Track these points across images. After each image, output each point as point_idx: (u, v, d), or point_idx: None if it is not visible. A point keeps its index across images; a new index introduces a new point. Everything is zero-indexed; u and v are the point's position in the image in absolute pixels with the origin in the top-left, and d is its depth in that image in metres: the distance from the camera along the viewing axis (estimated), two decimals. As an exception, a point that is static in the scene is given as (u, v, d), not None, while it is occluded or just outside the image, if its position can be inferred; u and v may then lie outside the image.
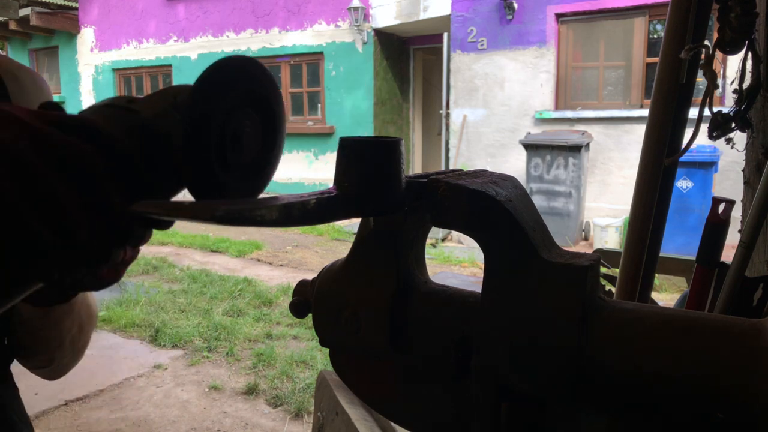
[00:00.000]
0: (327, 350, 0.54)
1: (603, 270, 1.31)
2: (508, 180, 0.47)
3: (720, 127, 0.99)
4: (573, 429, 0.43)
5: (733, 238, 0.96)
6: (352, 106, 9.49)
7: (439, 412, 0.49)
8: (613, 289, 1.19)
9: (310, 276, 0.56)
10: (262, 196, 0.42)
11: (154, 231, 0.48)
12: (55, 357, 0.81)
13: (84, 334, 0.80)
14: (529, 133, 7.25)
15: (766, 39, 1.12)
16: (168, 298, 5.03)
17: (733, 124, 1.01)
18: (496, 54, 7.88)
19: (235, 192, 0.42)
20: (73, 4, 12.19)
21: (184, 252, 7.07)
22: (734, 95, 1.03)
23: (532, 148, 6.84)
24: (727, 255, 1.00)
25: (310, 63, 9.94)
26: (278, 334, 4.32)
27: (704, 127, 0.99)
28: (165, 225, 0.43)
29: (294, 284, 0.57)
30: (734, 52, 0.96)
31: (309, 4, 9.67)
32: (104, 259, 0.38)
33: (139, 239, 0.44)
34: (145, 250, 6.95)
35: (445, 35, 8.26)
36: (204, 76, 0.39)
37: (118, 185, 0.37)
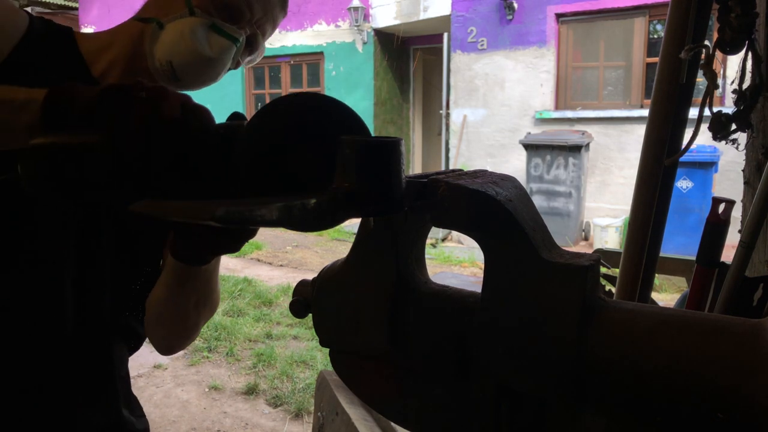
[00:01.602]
0: (327, 350, 0.54)
1: (603, 270, 1.31)
2: (508, 180, 0.47)
3: (724, 128, 0.99)
4: (573, 429, 0.43)
5: (733, 238, 0.96)
6: (352, 106, 9.45)
7: (439, 413, 0.49)
8: (613, 289, 1.19)
9: (310, 276, 0.56)
10: None
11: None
12: (174, 328, 0.92)
13: (197, 314, 0.89)
14: (529, 133, 7.25)
15: (766, 39, 1.12)
16: (168, 298, 5.03)
17: (734, 126, 1.01)
18: (496, 54, 7.88)
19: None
20: (74, 4, 12.18)
21: (184, 252, 7.05)
22: (734, 95, 1.03)
23: (532, 148, 6.83)
24: (727, 255, 1.00)
25: (310, 63, 9.93)
26: (278, 334, 4.32)
27: (705, 127, 0.99)
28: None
29: (294, 284, 0.58)
30: (734, 52, 0.96)
31: (309, 4, 9.66)
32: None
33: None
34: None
35: (445, 35, 8.25)
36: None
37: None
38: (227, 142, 0.52)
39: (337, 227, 7.89)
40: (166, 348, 0.96)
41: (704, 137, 1.05)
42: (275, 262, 6.52)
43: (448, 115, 8.47)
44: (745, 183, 1.31)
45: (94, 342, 0.91)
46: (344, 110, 0.51)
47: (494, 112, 7.96)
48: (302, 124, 0.49)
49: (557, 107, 7.58)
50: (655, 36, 7.07)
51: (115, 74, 0.89)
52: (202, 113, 0.54)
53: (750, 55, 0.99)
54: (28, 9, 10.88)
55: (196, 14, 0.86)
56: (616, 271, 1.19)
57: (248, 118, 0.53)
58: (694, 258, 1.09)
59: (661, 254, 1.16)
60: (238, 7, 0.88)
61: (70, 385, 0.89)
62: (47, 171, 0.50)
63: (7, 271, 0.82)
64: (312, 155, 0.48)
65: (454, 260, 6.53)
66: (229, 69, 0.94)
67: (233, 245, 0.64)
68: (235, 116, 0.52)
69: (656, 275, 1.18)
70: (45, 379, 0.87)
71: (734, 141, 1.05)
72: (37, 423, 0.86)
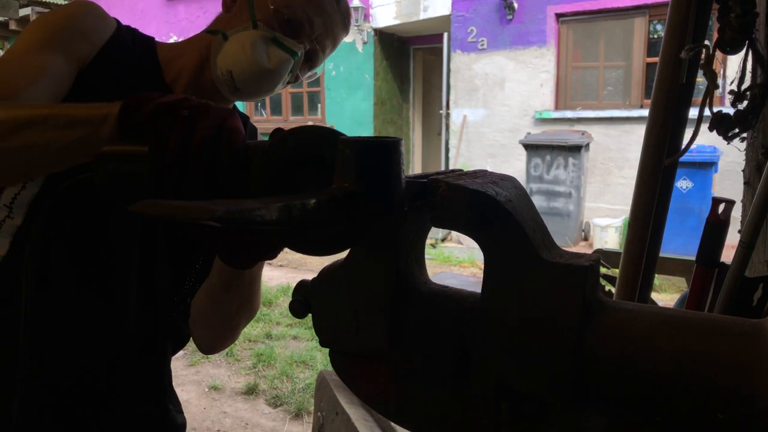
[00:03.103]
0: (327, 350, 0.54)
1: (603, 270, 1.31)
2: (508, 180, 0.47)
3: (730, 127, 0.99)
4: (573, 429, 0.43)
5: (733, 238, 0.96)
6: (352, 106, 9.48)
7: (439, 413, 0.49)
8: (613, 289, 1.19)
9: (310, 276, 0.56)
10: None
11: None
12: (216, 329, 0.96)
13: (239, 316, 0.92)
14: (529, 133, 7.25)
15: (766, 39, 1.12)
16: (168, 298, 5.02)
17: (737, 129, 1.01)
18: (496, 54, 7.88)
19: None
20: (73, 4, 12.18)
21: (184, 252, 7.05)
22: (731, 96, 1.03)
23: (532, 148, 6.83)
24: (727, 255, 1.00)
25: (310, 63, 9.93)
26: (278, 334, 4.32)
27: (705, 127, 0.99)
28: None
29: (294, 284, 0.57)
30: (734, 52, 0.96)
31: (309, 4, 9.65)
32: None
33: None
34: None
35: (445, 35, 8.25)
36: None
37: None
38: (247, 161, 0.57)
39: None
40: (207, 347, 1.00)
41: (704, 137, 1.05)
42: (275, 262, 6.51)
43: (448, 115, 8.46)
44: (745, 183, 1.31)
45: (151, 335, 0.97)
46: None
47: (494, 112, 7.95)
48: (306, 155, 0.53)
49: (557, 107, 7.57)
50: (655, 36, 7.07)
51: (183, 81, 0.96)
52: (234, 132, 0.58)
53: (750, 55, 0.99)
54: (28, 9, 10.90)
55: (258, 27, 0.91)
56: (616, 271, 1.19)
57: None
58: (694, 258, 1.09)
59: (661, 254, 1.16)
60: (300, 22, 0.93)
61: (127, 373, 0.95)
62: (110, 175, 0.58)
63: (82, 263, 0.89)
64: (314, 181, 0.52)
65: (454, 260, 6.53)
66: (288, 83, 0.99)
67: (270, 252, 0.68)
68: (276, 132, 0.56)
69: (656, 275, 1.18)
70: (107, 364, 0.93)
71: (743, 140, 1.04)
72: (97, 407, 0.93)
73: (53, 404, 0.90)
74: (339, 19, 0.98)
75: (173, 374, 1.11)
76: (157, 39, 1.01)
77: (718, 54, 0.97)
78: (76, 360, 0.91)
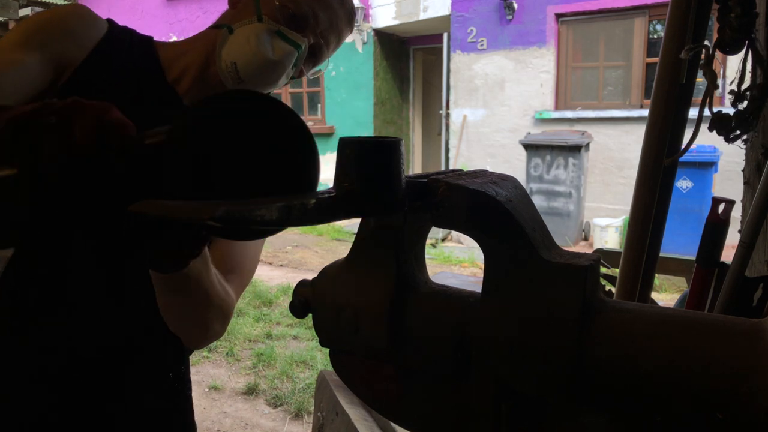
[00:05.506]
0: (327, 350, 0.54)
1: (603, 270, 1.31)
2: (508, 180, 0.47)
3: (734, 128, 0.99)
4: (573, 429, 0.43)
5: (733, 238, 0.96)
6: (352, 107, 9.48)
7: (439, 413, 0.49)
8: (613, 289, 1.19)
9: (310, 276, 0.56)
10: None
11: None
12: (184, 329, 0.93)
13: (199, 314, 0.88)
14: (529, 133, 7.25)
15: (766, 39, 1.12)
16: (168, 298, 5.02)
17: (735, 127, 1.01)
18: (496, 54, 7.88)
19: None
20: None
21: (184, 252, 7.04)
22: (731, 96, 1.02)
23: (532, 148, 6.83)
24: (727, 255, 1.00)
25: (310, 63, 9.92)
26: (278, 334, 4.32)
27: (705, 127, 0.99)
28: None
29: (294, 284, 0.57)
30: (734, 52, 0.96)
31: (309, 4, 9.65)
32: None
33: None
34: (145, 250, 6.93)
35: (445, 35, 8.25)
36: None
37: None
38: (152, 159, 0.48)
39: (338, 227, 7.89)
40: (186, 342, 0.99)
41: (704, 137, 1.05)
42: (275, 262, 6.52)
43: (448, 115, 8.46)
44: (745, 183, 1.31)
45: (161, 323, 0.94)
46: (274, 108, 0.49)
47: (494, 112, 7.95)
48: (228, 132, 0.47)
49: (557, 107, 7.57)
50: (655, 36, 7.07)
51: (188, 79, 0.96)
52: (121, 130, 0.49)
53: (750, 55, 0.99)
54: (28, 9, 10.91)
55: (263, 21, 0.93)
56: (616, 271, 1.18)
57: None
58: (694, 258, 1.09)
59: (661, 254, 1.16)
60: (305, 17, 0.95)
61: (142, 359, 0.96)
62: None
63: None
64: (243, 164, 0.47)
65: (454, 260, 6.53)
66: (292, 77, 0.99)
67: (187, 251, 0.62)
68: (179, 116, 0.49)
69: (656, 275, 1.18)
70: (119, 350, 0.94)
71: (746, 141, 1.04)
72: (111, 393, 0.93)
73: (66, 390, 0.90)
74: (344, 15, 0.99)
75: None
76: (156, 39, 1.01)
77: (718, 54, 0.97)
78: (87, 344, 0.90)
